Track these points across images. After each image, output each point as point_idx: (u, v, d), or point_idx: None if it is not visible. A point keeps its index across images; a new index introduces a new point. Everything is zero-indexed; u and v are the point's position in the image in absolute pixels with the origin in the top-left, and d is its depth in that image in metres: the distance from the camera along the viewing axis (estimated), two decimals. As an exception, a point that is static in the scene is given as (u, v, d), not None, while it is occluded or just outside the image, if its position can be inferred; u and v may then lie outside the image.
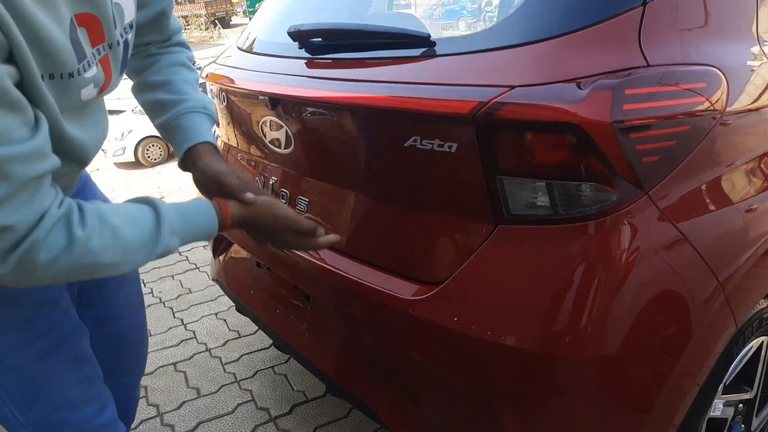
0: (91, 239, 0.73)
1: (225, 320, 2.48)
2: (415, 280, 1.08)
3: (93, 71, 0.77)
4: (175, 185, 8.10)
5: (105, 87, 0.83)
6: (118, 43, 0.83)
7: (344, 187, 1.25)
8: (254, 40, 1.74)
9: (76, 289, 1.06)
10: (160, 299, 2.73)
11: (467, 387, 1.07)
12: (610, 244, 0.93)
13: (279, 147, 1.38)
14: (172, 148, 1.18)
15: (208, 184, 1.00)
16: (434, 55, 1.08)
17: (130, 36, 0.87)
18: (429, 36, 1.07)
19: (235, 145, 1.70)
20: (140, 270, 3.01)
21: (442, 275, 1.03)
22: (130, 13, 0.85)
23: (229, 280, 1.81)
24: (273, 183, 1.46)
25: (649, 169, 0.91)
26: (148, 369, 2.16)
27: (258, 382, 2.04)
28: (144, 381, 2.09)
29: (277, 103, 1.35)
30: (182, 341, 2.35)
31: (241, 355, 2.21)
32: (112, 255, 0.75)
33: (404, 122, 1.05)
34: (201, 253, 3.22)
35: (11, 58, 0.63)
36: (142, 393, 1.84)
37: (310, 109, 1.25)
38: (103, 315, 1.13)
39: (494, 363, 0.99)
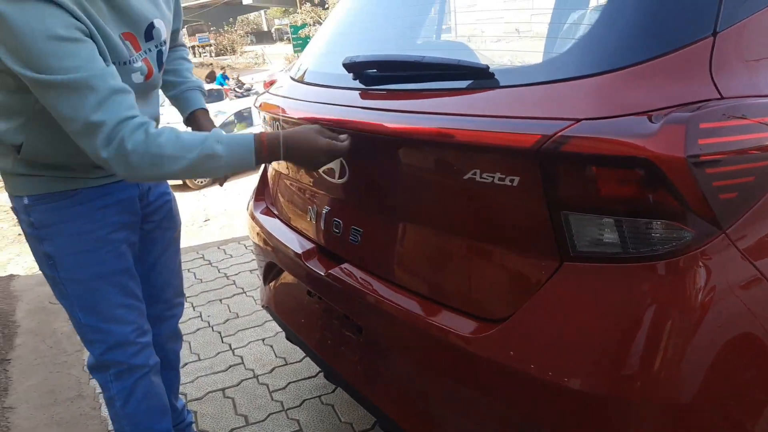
0: (160, 137, 1.10)
1: (272, 346, 2.49)
2: (474, 316, 1.05)
3: (139, 64, 1.24)
4: (220, 207, 8.29)
5: (149, 77, 1.29)
6: (150, 51, 1.28)
7: (399, 219, 1.24)
8: (306, 70, 1.77)
9: (137, 247, 1.46)
10: (209, 323, 2.76)
11: (529, 429, 1.03)
12: (685, 285, 0.88)
13: (333, 177, 1.39)
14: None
15: None
16: (493, 87, 1.06)
17: (164, 48, 1.34)
18: (487, 67, 1.06)
19: (286, 173, 1.72)
20: (190, 293, 3.06)
21: (504, 312, 1.00)
22: (165, 34, 1.33)
23: (279, 307, 1.82)
24: (326, 212, 1.46)
25: (727, 206, 0.86)
26: (197, 394, 2.18)
27: (305, 412, 2.03)
28: (193, 406, 2.11)
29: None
30: (230, 366, 2.36)
31: (288, 383, 2.21)
32: (173, 149, 1.11)
33: (463, 155, 1.03)
34: (248, 277, 3.26)
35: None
36: (193, 418, 1.85)
37: (366, 140, 1.25)
38: (146, 270, 1.53)
39: (559, 405, 0.95)
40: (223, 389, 2.21)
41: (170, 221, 1.57)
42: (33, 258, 1.38)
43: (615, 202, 0.87)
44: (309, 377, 2.24)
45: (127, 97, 1.10)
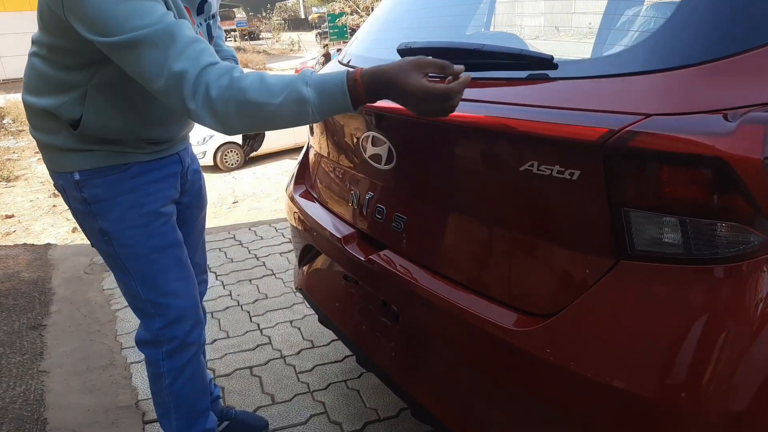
0: (243, 81, 1.02)
1: (299, 329, 2.51)
2: (520, 310, 1.04)
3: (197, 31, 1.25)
4: (249, 190, 8.38)
5: None
6: (201, 24, 1.29)
7: (446, 209, 1.23)
8: (355, 55, 1.76)
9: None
10: (238, 302, 2.79)
11: (568, 426, 1.01)
12: (747, 290, 0.85)
13: (379, 163, 1.38)
14: (247, 156, 1.74)
15: None
16: (556, 78, 1.04)
17: (212, 22, 1.35)
18: (552, 58, 1.03)
19: (327, 156, 1.72)
20: (220, 272, 3.10)
21: (552, 308, 0.98)
22: (215, 8, 1.36)
23: (313, 290, 1.82)
24: (368, 198, 1.46)
25: (800, 212, 0.83)
26: (225, 371, 2.21)
27: (331, 395, 2.04)
28: (221, 382, 2.13)
29: (382, 119, 1.35)
30: (258, 346, 2.39)
31: (315, 366, 2.22)
32: (257, 94, 1.02)
33: (521, 146, 1.01)
34: (278, 260, 3.28)
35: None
36: (220, 392, 1.88)
37: (417, 127, 1.24)
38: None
39: (604, 405, 0.93)
40: (250, 367, 2.23)
41: (199, 200, 1.58)
42: (67, 228, 1.42)
43: (681, 202, 0.84)
44: (335, 361, 2.25)
45: (207, 46, 1.06)
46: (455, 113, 1.14)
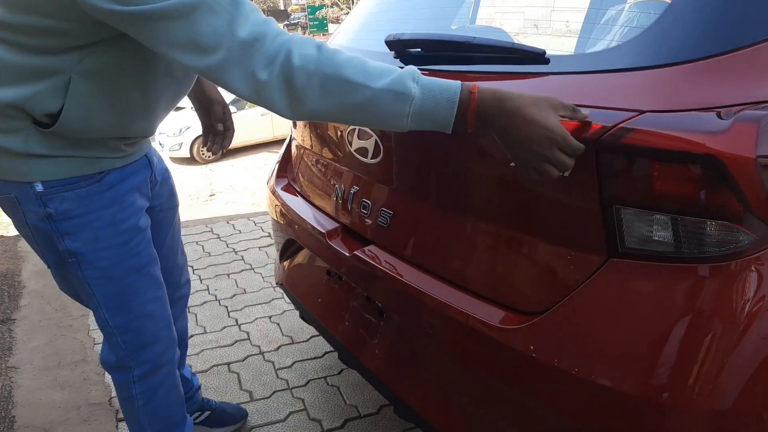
0: (337, 54, 0.89)
1: (278, 324, 2.47)
2: (508, 307, 1.02)
3: None
4: (226, 183, 8.27)
5: None
6: None
7: (434, 204, 1.21)
8: (340, 47, 1.73)
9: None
10: (216, 297, 2.74)
11: (556, 424, 1.01)
12: (735, 290, 0.85)
13: (365, 156, 1.35)
14: (215, 154, 1.60)
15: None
16: (548, 73, 1.03)
17: None
18: (544, 52, 1.02)
19: (310, 148, 1.69)
20: (197, 266, 3.04)
21: (540, 305, 0.97)
22: None
23: (294, 285, 1.79)
24: (354, 192, 1.43)
25: (790, 211, 0.83)
26: (202, 367, 2.17)
27: (310, 392, 2.01)
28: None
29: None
30: (236, 341, 2.35)
31: (294, 362, 2.19)
32: (353, 72, 0.87)
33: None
34: (256, 254, 3.24)
35: None
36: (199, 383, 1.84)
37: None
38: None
39: (592, 404, 0.92)
40: (228, 363, 2.20)
41: (171, 200, 1.46)
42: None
43: (673, 200, 0.84)
44: (315, 357, 2.22)
45: (270, 18, 0.91)
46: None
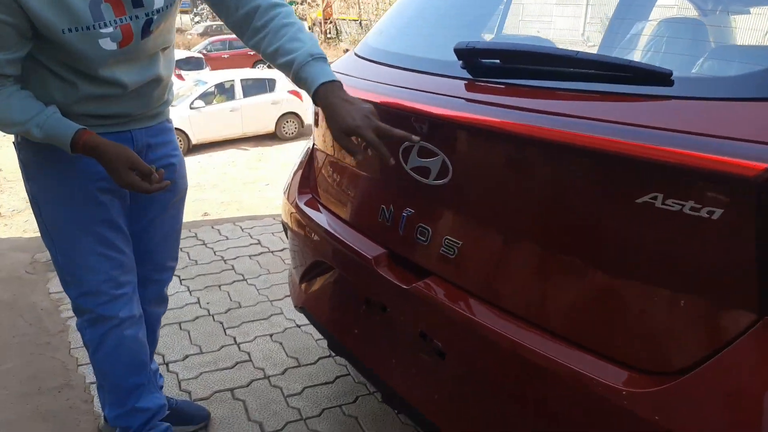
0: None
1: (281, 344, 2.29)
2: (628, 366, 0.89)
3: (109, 29, 1.18)
4: (192, 180, 7.84)
5: (125, 44, 1.22)
6: (137, 17, 1.21)
7: (523, 240, 1.07)
8: (375, 49, 1.58)
9: (129, 203, 1.47)
10: (209, 311, 2.53)
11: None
12: None
13: (426, 177, 1.21)
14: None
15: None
16: (671, 97, 0.90)
17: (156, 17, 1.23)
18: (671, 73, 0.90)
19: (343, 161, 1.53)
20: (185, 275, 2.82)
21: (673, 366, 0.84)
22: (159, 3, 1.22)
23: (319, 312, 1.62)
24: (408, 216, 1.28)
25: None
26: (202, 393, 1.98)
27: (326, 423, 1.85)
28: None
29: (437, 127, 1.18)
30: (237, 363, 2.15)
31: (304, 388, 2.02)
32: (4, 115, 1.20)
33: (641, 174, 0.87)
34: (247, 264, 3.03)
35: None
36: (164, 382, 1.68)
37: (491, 141, 1.08)
38: (139, 230, 1.53)
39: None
40: (231, 389, 2.00)
41: (171, 184, 1.44)
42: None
43: None
44: (326, 382, 2.05)
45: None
46: (535, 125, 1.00)
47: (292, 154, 10.75)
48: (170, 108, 1.55)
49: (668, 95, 0.91)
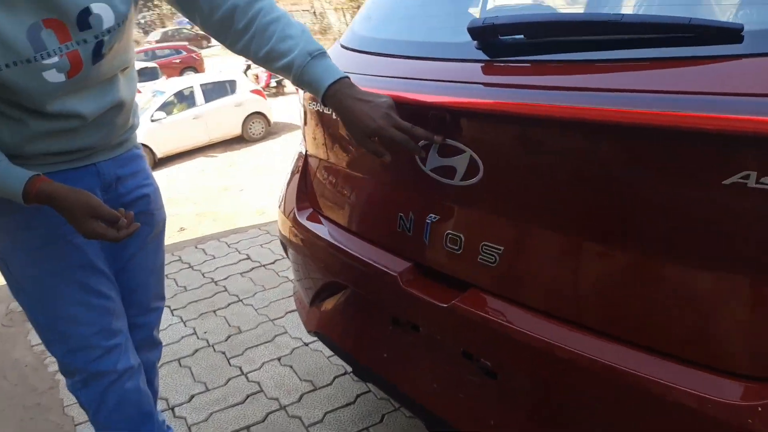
0: None
1: (291, 367, 2.13)
2: (737, 374, 0.76)
3: (54, 59, 1.01)
4: (164, 195, 7.62)
5: (74, 73, 1.04)
6: (86, 42, 1.03)
7: (579, 235, 0.92)
8: (363, 37, 1.42)
9: (106, 245, 1.28)
10: (208, 342, 2.35)
11: None
12: None
13: (451, 178, 1.06)
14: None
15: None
16: (740, 56, 0.76)
17: (107, 38, 1.05)
18: (742, 27, 0.76)
19: (344, 167, 1.37)
20: (175, 305, 2.64)
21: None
22: (109, 22, 1.03)
23: (339, 335, 1.47)
24: (432, 222, 1.13)
25: None
26: (217, 437, 1.81)
27: (357, 450, 1.70)
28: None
29: (463, 121, 1.02)
30: (248, 396, 1.99)
31: (325, 414, 1.87)
32: None
33: (726, 151, 0.73)
34: (240, 282, 2.85)
35: None
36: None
37: (528, 128, 0.94)
38: (117, 270, 1.35)
39: None
40: (247, 427, 1.84)
41: (147, 217, 1.36)
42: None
43: None
44: (347, 404, 1.91)
45: None
46: (581, 106, 0.86)
47: (263, 155, 10.52)
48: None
49: (739, 53, 0.77)
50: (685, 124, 0.75)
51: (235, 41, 1.13)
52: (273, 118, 11.27)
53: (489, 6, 1.74)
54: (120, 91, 1.18)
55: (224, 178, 8.80)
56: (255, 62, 1.15)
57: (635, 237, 0.85)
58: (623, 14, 0.85)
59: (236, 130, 10.75)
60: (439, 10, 1.45)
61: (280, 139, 11.16)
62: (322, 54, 1.08)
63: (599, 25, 0.88)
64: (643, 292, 0.85)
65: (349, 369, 2.03)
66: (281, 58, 1.08)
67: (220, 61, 22.18)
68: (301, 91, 1.48)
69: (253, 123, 10.89)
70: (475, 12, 1.65)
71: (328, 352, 2.17)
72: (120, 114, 1.22)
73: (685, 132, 0.75)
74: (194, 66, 16.78)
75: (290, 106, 12.64)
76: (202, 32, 1.41)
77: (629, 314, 0.87)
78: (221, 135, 10.63)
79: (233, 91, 10.89)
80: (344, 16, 19.62)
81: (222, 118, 10.55)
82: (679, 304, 0.82)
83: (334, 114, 1.16)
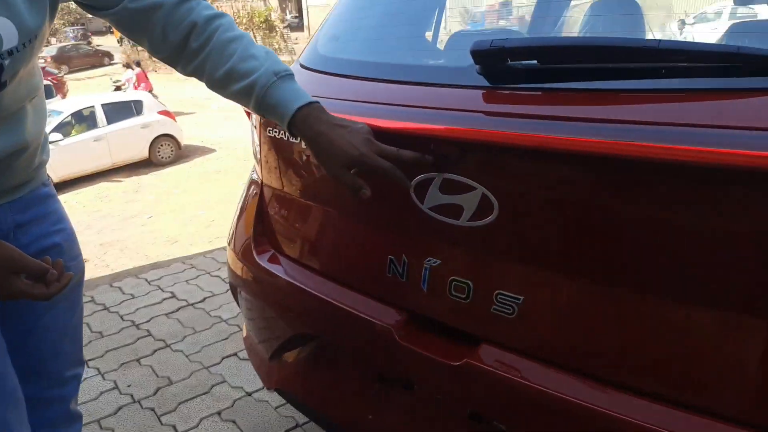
0: None
1: (234, 422, 1.90)
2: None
3: None
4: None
5: None
6: None
7: (611, 283, 0.83)
8: (324, 57, 1.29)
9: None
10: (133, 397, 2.06)
11: None
12: None
13: (456, 218, 0.93)
14: None
15: None
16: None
17: (8, 62, 0.86)
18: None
19: (313, 202, 1.22)
20: (90, 354, 2.32)
21: None
22: (10, 41, 0.85)
23: (307, 394, 1.29)
24: (430, 267, 1.00)
25: None
26: None
27: None
28: None
29: (472, 153, 0.91)
30: (188, 461, 1.74)
31: (281, 475, 1.66)
32: None
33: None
34: (165, 324, 2.56)
35: None
36: None
37: (555, 164, 0.84)
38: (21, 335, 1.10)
39: None
40: (190, 500, 1.60)
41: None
42: None
43: None
44: (304, 462, 1.71)
45: None
46: (618, 140, 0.77)
47: (174, 179, 9.94)
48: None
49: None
50: (736, 162, 0.68)
51: (187, 62, 0.98)
52: (184, 142, 10.73)
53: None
54: (26, 129, 0.96)
55: (130, 204, 8.22)
56: (210, 86, 1.01)
57: (682, 287, 0.77)
58: (660, 40, 0.77)
59: (143, 153, 10.09)
60: (418, 30, 1.35)
61: (191, 162, 10.64)
62: (290, 76, 0.96)
63: (633, 51, 0.80)
64: (694, 351, 0.77)
65: (302, 421, 1.84)
66: (242, 79, 0.95)
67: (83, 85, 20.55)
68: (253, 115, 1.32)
69: (161, 146, 10.27)
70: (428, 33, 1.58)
71: (275, 402, 1.96)
72: (22, 157, 0.98)
73: (740, 171, 0.68)
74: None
75: (198, 126, 12.14)
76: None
77: (678, 374, 0.78)
78: (126, 158, 9.94)
79: (139, 112, 10.24)
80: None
81: (127, 140, 9.88)
82: (737, 361, 0.74)
83: (300, 141, 1.02)
